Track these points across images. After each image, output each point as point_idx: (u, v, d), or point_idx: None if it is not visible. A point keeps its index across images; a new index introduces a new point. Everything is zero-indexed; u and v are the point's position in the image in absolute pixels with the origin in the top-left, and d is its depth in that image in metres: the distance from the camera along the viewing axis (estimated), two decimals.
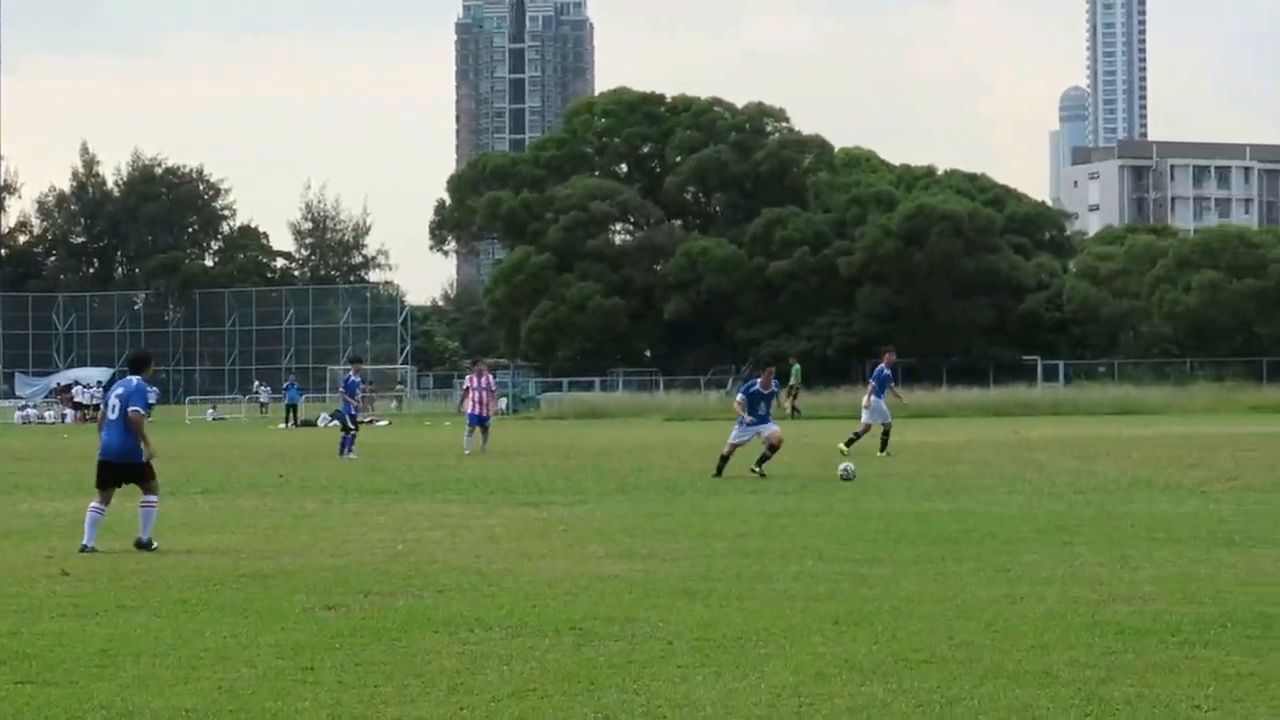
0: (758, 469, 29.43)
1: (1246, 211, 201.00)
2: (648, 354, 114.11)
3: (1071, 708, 9.27)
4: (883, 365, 38.74)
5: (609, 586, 14.66)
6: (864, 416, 38.11)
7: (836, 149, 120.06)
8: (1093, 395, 76.49)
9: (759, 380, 30.56)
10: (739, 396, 30.53)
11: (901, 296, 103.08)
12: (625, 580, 15.05)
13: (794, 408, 68.16)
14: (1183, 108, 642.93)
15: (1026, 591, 13.85)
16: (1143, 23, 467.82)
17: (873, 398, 38.17)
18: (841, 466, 28.67)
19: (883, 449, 37.02)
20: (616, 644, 11.59)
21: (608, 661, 10.92)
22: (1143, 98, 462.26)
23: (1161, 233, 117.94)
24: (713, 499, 24.54)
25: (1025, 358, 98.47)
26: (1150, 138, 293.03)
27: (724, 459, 29.92)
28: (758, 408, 30.20)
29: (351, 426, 41.36)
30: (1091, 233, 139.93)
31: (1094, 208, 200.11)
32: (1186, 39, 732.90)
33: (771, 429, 29.95)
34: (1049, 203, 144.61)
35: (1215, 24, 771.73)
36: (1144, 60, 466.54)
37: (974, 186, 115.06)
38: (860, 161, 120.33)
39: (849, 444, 36.15)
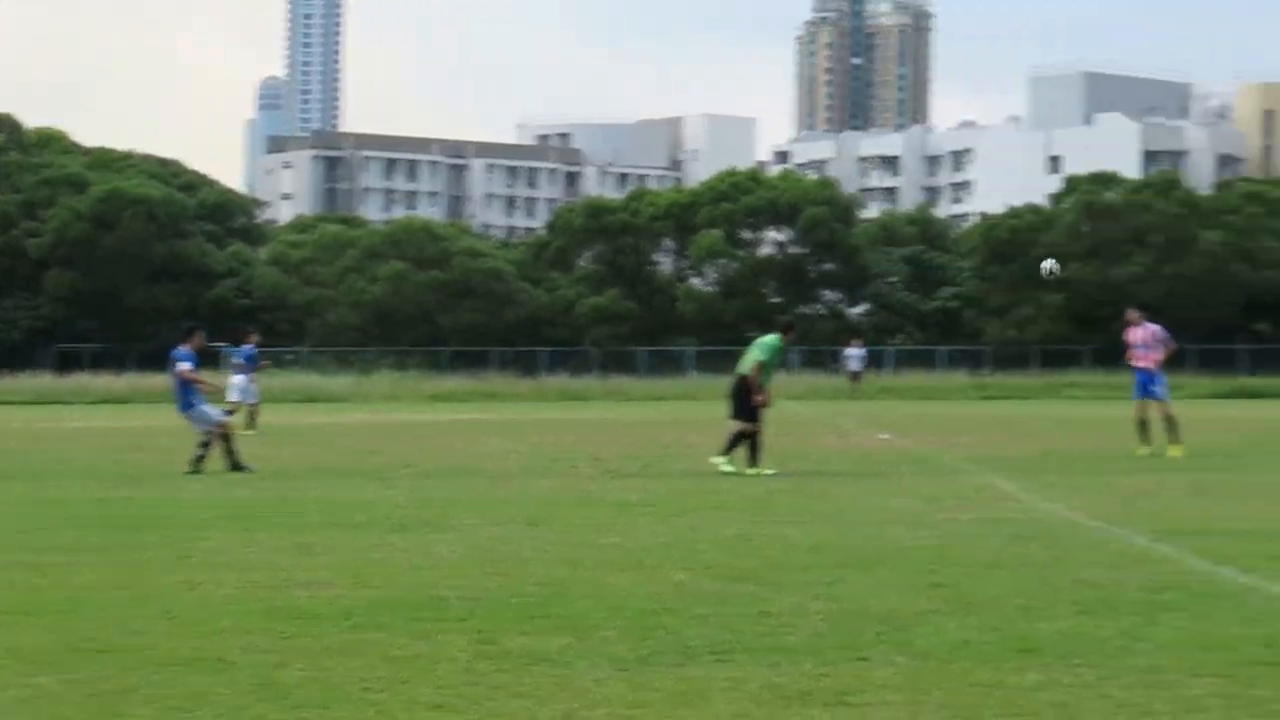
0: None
1: (433, 204, 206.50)
2: None
3: (246, 692, 9.35)
4: (249, 346, 40.27)
5: None
6: (230, 395, 38.83)
7: (27, 128, 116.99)
8: (280, 383, 77.07)
9: (186, 346, 26.76)
10: (186, 365, 26.50)
11: (90, 280, 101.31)
12: None
13: None
14: (379, 102, 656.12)
15: (205, 578, 13.85)
16: (340, 16, 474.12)
17: (239, 376, 39.65)
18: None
19: (251, 427, 37.86)
20: None
21: None
22: (338, 90, 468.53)
23: (351, 223, 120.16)
24: None
25: (212, 345, 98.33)
26: (345, 129, 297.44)
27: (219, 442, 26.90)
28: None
29: None
30: (284, 221, 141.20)
31: (287, 196, 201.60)
32: (385, 35, 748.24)
33: (219, 418, 26.86)
34: (243, 190, 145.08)
35: (412, 22, 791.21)
36: (339, 53, 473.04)
37: (167, 172, 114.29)
38: (52, 142, 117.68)
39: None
